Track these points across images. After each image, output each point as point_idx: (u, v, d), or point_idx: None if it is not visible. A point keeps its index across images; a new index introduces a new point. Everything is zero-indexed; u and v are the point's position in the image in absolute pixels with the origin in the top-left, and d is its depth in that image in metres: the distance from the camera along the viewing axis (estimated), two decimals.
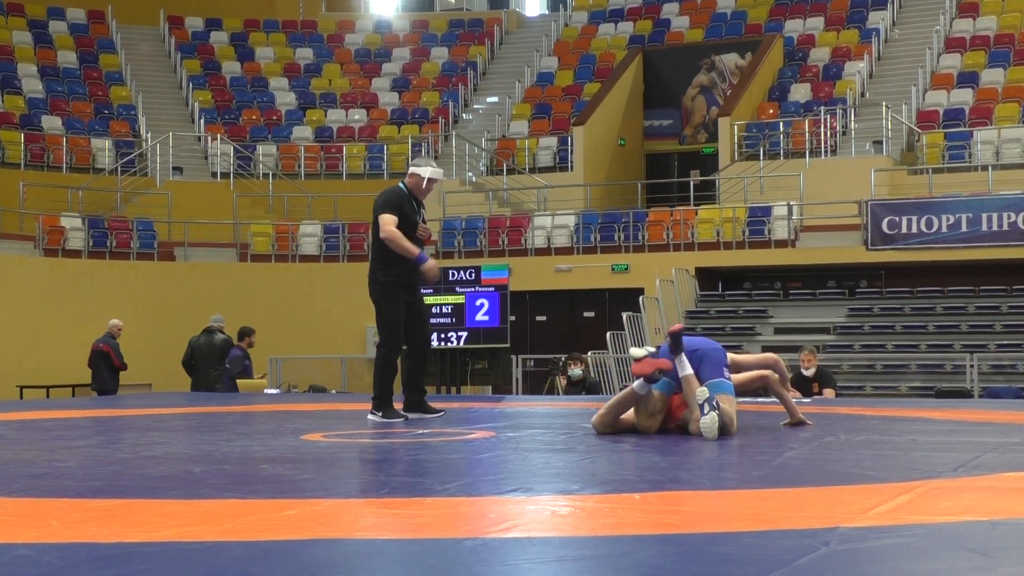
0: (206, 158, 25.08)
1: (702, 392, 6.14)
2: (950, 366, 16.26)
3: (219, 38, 28.99)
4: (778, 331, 18.08)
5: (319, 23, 30.14)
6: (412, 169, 7.86)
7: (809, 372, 11.72)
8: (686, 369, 6.26)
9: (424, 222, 8.00)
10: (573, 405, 9.50)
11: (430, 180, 7.78)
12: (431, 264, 7.64)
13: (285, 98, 27.37)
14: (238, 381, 17.06)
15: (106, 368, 16.00)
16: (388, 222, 7.58)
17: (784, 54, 25.45)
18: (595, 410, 6.83)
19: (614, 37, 27.90)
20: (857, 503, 3.86)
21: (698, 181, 22.74)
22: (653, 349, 6.40)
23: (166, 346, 20.19)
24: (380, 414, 7.68)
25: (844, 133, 22.27)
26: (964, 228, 18.04)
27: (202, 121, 25.91)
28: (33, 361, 19.38)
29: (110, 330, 16.27)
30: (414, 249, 7.59)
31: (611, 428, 6.45)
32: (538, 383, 17.93)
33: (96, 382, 15.98)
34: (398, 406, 7.86)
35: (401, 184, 7.88)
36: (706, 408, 6.08)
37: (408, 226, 7.69)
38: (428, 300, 14.66)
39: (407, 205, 7.72)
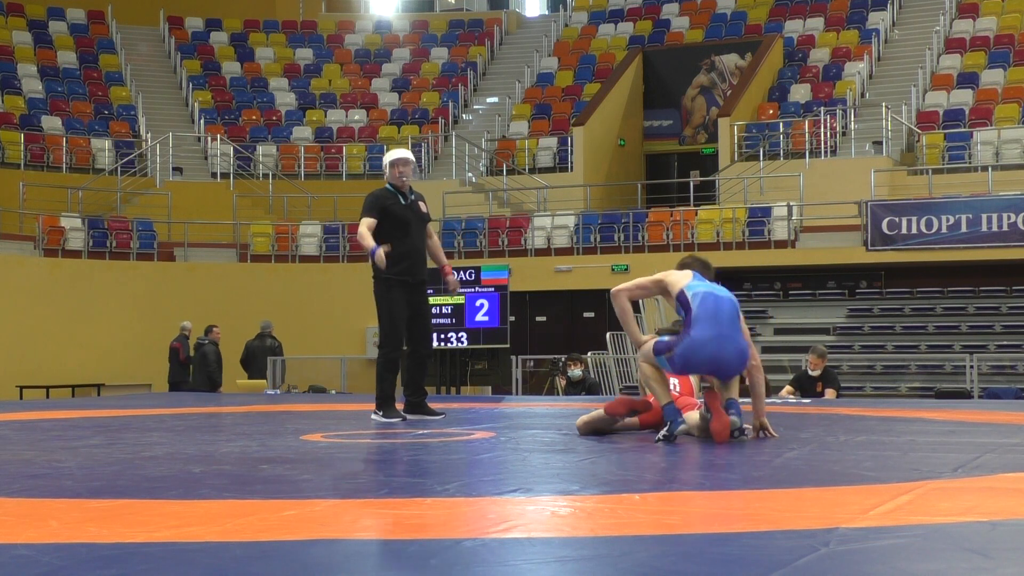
0: (206, 158, 25.09)
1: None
2: (950, 367, 16.26)
3: (219, 38, 28.99)
4: (778, 332, 18.08)
5: (319, 23, 30.16)
6: (384, 166, 7.94)
7: (815, 373, 11.85)
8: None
9: (424, 211, 7.94)
10: (573, 406, 9.49)
11: (393, 164, 7.78)
12: (379, 254, 7.45)
13: (285, 98, 27.38)
14: (238, 381, 17.16)
15: (176, 363, 17.32)
16: (363, 223, 7.64)
17: (784, 54, 25.46)
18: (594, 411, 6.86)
19: (614, 37, 27.90)
20: (857, 504, 3.86)
21: (698, 181, 22.74)
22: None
23: (166, 347, 20.19)
24: (381, 413, 7.70)
25: (844, 134, 22.28)
26: (964, 229, 18.04)
27: (202, 121, 25.91)
28: (33, 361, 19.38)
29: (182, 331, 17.55)
30: (370, 243, 7.53)
31: (592, 434, 6.47)
32: (538, 384, 17.94)
33: (169, 376, 17.41)
34: (399, 407, 7.86)
35: (387, 185, 7.88)
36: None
37: (396, 222, 7.70)
38: None
39: (390, 201, 7.72)
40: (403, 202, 7.77)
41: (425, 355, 7.99)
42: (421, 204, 7.94)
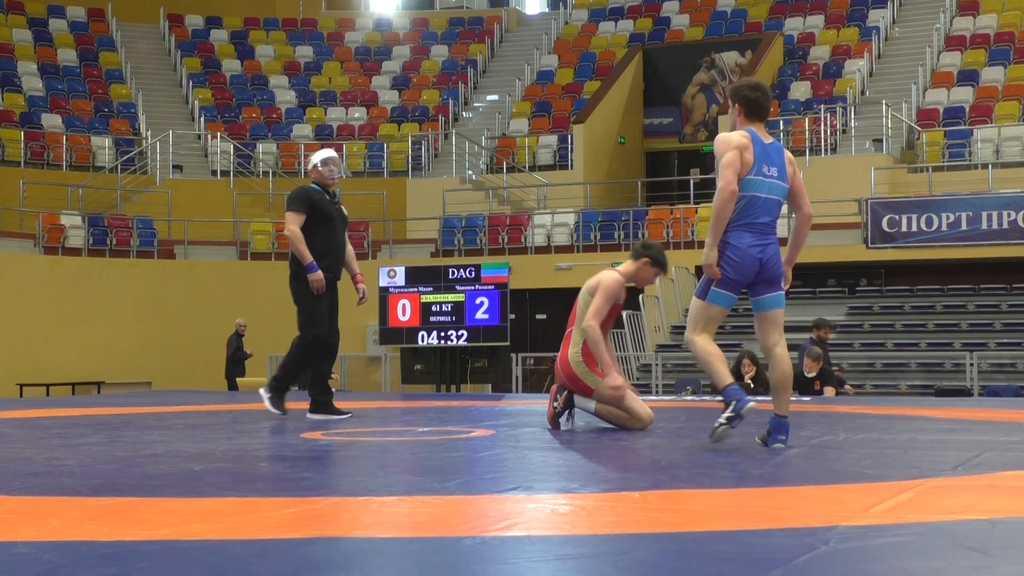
0: (206, 156, 25.08)
1: None
2: (950, 364, 16.25)
3: (219, 36, 28.99)
4: None
5: (319, 21, 30.15)
6: (310, 165, 8.01)
7: (810, 375, 11.97)
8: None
9: (345, 213, 8.02)
10: None
11: (322, 164, 7.85)
12: (317, 276, 7.62)
13: (285, 96, 27.37)
14: (238, 380, 17.16)
15: (227, 359, 17.97)
16: (291, 220, 7.73)
17: (784, 52, 25.45)
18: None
19: (614, 35, 27.90)
20: (857, 501, 3.86)
21: (698, 179, 22.73)
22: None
23: (166, 344, 20.23)
24: (270, 397, 7.82)
25: (844, 131, 22.27)
26: (964, 226, 18.04)
27: (202, 119, 25.91)
28: (33, 359, 19.38)
29: (236, 327, 18.06)
30: (307, 255, 7.64)
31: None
32: (538, 382, 17.94)
33: (224, 373, 18.12)
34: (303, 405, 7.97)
35: (312, 183, 7.93)
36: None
37: (322, 217, 7.76)
38: (428, 299, 14.68)
39: (318, 199, 7.78)
40: (329, 198, 7.87)
41: (332, 353, 8.00)
42: (343, 207, 8.09)
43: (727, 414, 5.44)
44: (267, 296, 20.51)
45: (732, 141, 5.59)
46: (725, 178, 5.49)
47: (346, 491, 4.21)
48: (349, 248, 8.12)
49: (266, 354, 17.83)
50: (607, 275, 6.90)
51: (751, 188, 5.58)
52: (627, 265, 7.01)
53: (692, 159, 25.53)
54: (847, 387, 12.79)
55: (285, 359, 7.95)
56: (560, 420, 6.92)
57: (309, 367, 7.94)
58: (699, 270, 21.41)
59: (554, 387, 7.02)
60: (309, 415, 7.86)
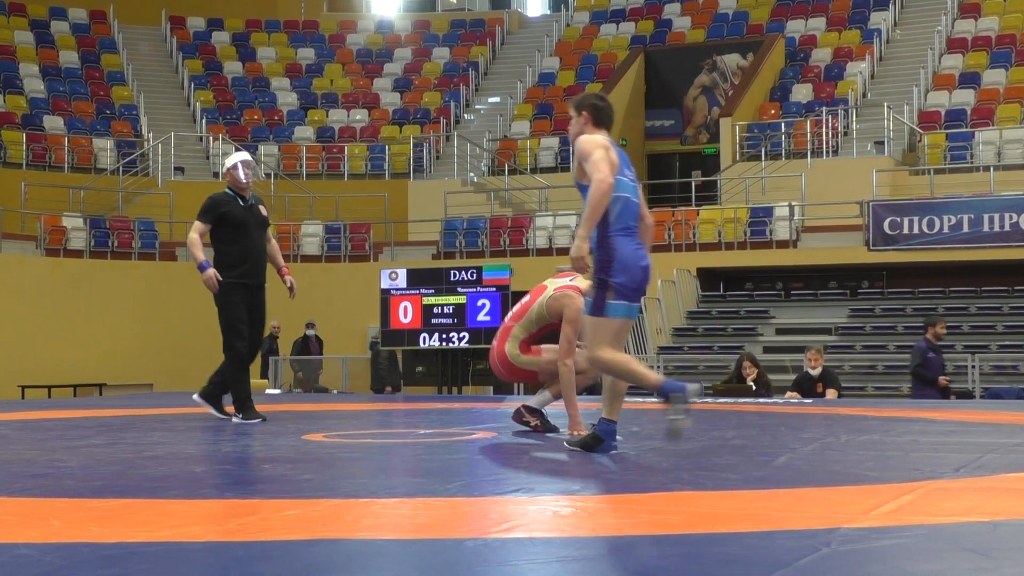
0: (208, 158, 25.09)
1: None
2: (951, 367, 16.24)
3: (221, 38, 29.00)
4: (780, 332, 18.06)
5: (321, 23, 30.16)
6: (223, 169, 8.03)
7: (815, 372, 11.90)
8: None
9: (263, 215, 7.98)
10: None
11: (236, 168, 7.84)
12: (208, 275, 7.64)
13: (287, 98, 27.38)
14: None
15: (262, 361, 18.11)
16: (194, 228, 7.75)
17: (786, 54, 25.45)
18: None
19: (616, 37, 27.91)
20: (859, 503, 3.86)
21: (700, 181, 22.72)
22: None
23: (167, 346, 20.23)
24: (241, 416, 7.76)
25: (846, 133, 22.27)
26: (966, 229, 18.03)
27: (204, 121, 25.92)
28: (35, 361, 19.39)
29: (271, 330, 18.10)
30: (199, 257, 7.69)
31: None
32: (539, 384, 17.90)
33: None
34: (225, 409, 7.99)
35: (227, 188, 7.92)
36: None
37: (234, 225, 7.75)
38: (429, 300, 14.69)
39: (228, 205, 7.77)
40: (242, 204, 7.84)
41: (250, 356, 7.96)
42: (261, 208, 8.03)
43: (677, 406, 5.18)
44: (268, 298, 20.51)
45: (598, 140, 5.47)
46: (602, 171, 5.27)
47: (348, 493, 4.21)
48: (273, 244, 8.13)
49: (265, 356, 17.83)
50: (570, 303, 6.62)
51: (622, 189, 5.45)
52: (581, 280, 6.63)
53: (694, 161, 25.53)
54: (942, 380, 12.62)
55: (227, 379, 7.92)
56: (551, 424, 6.86)
57: (246, 373, 7.89)
58: (699, 272, 21.20)
59: (514, 416, 6.98)
60: (195, 396, 8.00)
